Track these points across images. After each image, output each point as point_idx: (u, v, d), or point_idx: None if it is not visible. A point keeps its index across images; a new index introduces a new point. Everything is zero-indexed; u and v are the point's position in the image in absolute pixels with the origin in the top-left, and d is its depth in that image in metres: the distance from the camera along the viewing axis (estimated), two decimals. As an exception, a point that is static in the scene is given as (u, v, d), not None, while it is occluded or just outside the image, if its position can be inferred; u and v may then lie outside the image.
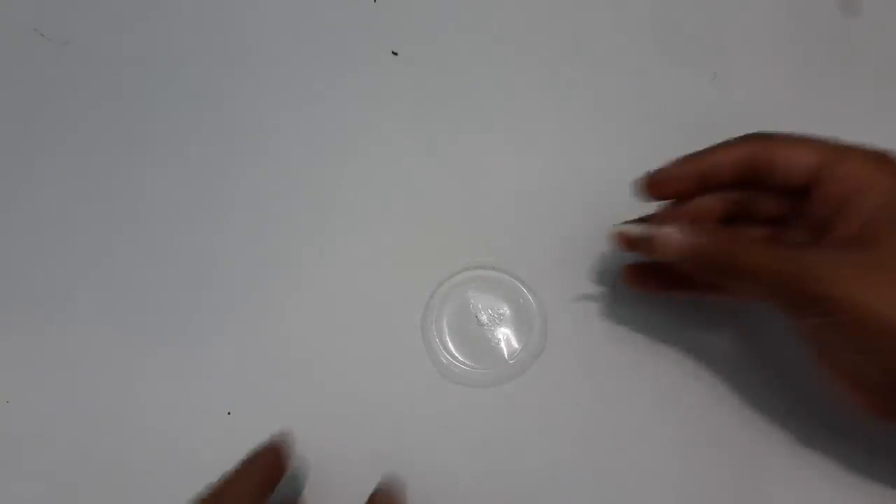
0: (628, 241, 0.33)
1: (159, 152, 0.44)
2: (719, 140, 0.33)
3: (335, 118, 0.44)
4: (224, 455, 0.37)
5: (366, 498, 0.33)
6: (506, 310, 0.39)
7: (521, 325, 0.39)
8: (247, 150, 0.43)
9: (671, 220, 0.32)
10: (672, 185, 0.33)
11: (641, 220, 0.35)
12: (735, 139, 0.32)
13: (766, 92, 0.43)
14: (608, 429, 0.37)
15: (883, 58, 0.43)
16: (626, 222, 0.35)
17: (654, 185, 0.33)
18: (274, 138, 0.44)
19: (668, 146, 0.34)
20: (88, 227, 0.42)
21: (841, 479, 0.35)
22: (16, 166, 0.44)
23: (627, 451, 0.36)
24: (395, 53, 0.43)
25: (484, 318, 0.39)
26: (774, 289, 0.29)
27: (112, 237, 0.42)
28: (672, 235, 0.31)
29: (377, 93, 0.44)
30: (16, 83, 0.46)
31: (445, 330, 0.39)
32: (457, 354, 0.38)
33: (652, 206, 0.36)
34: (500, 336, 0.39)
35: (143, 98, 0.45)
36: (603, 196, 0.39)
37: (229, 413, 0.38)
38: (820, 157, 0.30)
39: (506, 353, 0.38)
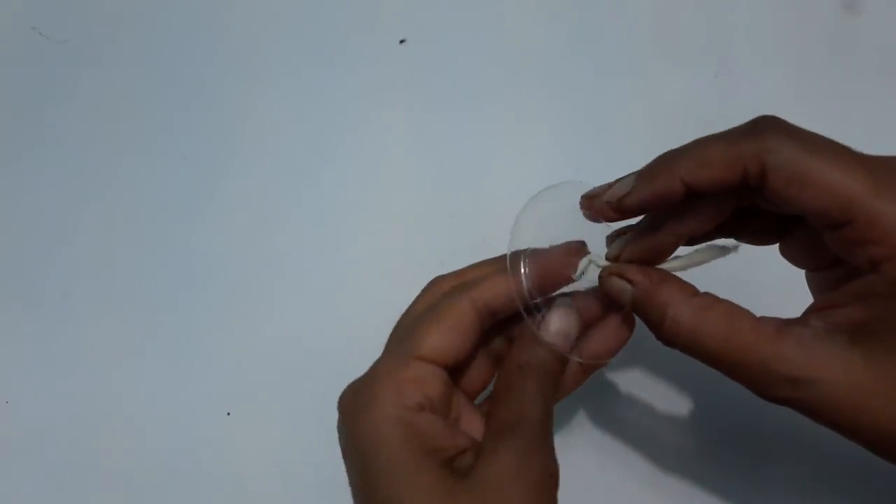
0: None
1: (158, 150, 0.44)
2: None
3: (335, 116, 0.44)
4: (224, 455, 0.37)
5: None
6: None
7: None
8: (245, 149, 0.43)
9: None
10: (642, 212, 0.27)
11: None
12: (722, 144, 0.25)
13: (768, 91, 0.43)
14: (607, 428, 0.37)
15: (884, 57, 0.43)
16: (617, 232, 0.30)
17: (621, 214, 0.27)
18: (274, 136, 0.44)
19: (669, 146, 0.34)
20: (87, 226, 0.42)
21: (841, 479, 0.35)
22: (14, 165, 0.44)
23: (627, 450, 0.36)
24: (402, 41, 0.43)
25: None
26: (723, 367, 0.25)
27: (111, 237, 0.42)
28: (619, 285, 0.27)
29: (379, 88, 0.44)
30: (14, 81, 0.46)
31: None
32: None
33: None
34: None
35: (142, 96, 0.45)
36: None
37: (229, 413, 0.38)
38: (841, 207, 0.23)
39: None
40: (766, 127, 0.24)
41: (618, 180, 0.27)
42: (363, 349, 0.39)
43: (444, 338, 0.27)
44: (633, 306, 0.27)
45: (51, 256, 0.41)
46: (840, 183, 0.23)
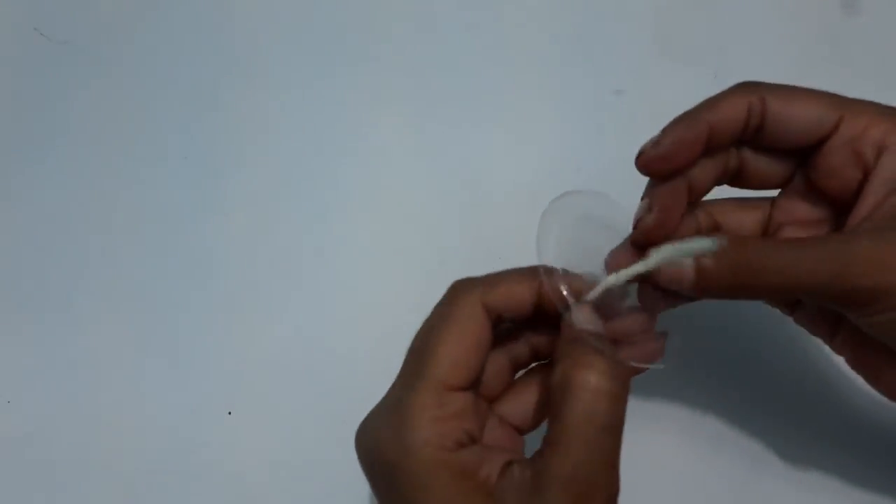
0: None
1: (159, 152, 0.44)
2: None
3: (336, 116, 0.44)
4: (224, 455, 0.37)
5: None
6: None
7: None
8: (246, 149, 0.43)
9: (665, 212, 0.27)
10: (679, 159, 0.27)
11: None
12: (726, 92, 0.28)
13: (767, 92, 0.43)
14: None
15: (883, 58, 0.43)
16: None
17: (662, 159, 0.27)
18: (275, 136, 0.44)
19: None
20: (88, 227, 0.42)
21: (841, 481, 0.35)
22: (15, 165, 0.44)
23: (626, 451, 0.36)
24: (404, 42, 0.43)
25: None
26: (818, 295, 0.25)
27: (111, 237, 0.42)
28: (682, 272, 0.26)
29: (379, 88, 0.44)
30: (15, 82, 0.46)
31: None
32: None
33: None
34: None
35: (143, 97, 0.45)
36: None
37: (230, 413, 0.38)
38: (830, 111, 0.26)
39: None
40: (751, 81, 0.28)
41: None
42: (363, 348, 0.39)
43: (470, 360, 0.26)
44: (718, 264, 0.25)
45: (52, 257, 0.41)
46: (825, 94, 0.27)
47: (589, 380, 0.24)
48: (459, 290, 0.27)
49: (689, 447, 0.36)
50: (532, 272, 0.27)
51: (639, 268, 0.27)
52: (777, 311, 0.31)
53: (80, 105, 0.45)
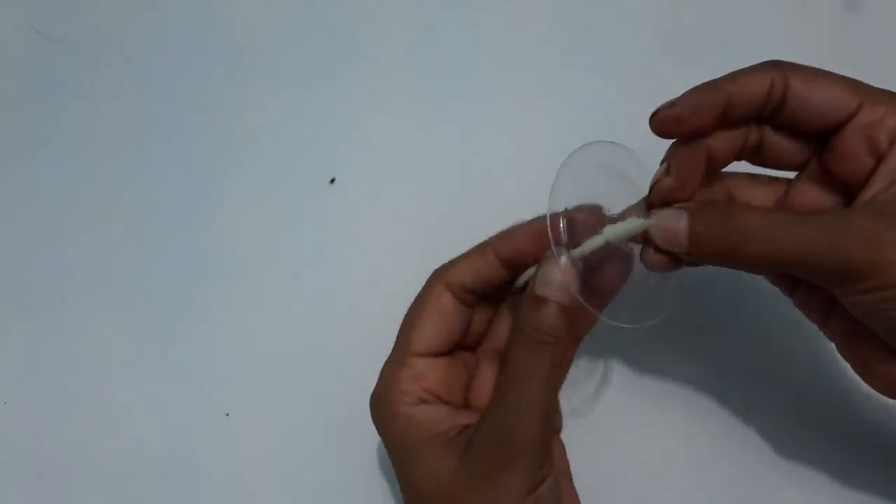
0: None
1: (157, 151, 0.44)
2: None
3: (335, 115, 0.44)
4: (223, 455, 0.37)
5: None
6: None
7: None
8: (245, 149, 0.43)
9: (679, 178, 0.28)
10: (693, 121, 0.28)
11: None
12: (751, 67, 0.28)
13: (768, 91, 0.43)
14: (606, 427, 0.37)
15: (885, 56, 0.43)
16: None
17: (675, 119, 0.28)
18: (272, 136, 0.44)
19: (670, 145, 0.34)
20: (85, 226, 0.42)
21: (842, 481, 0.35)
22: (13, 165, 0.44)
23: (627, 449, 0.36)
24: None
25: None
26: (810, 268, 0.25)
27: (110, 237, 0.42)
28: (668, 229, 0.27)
29: (378, 88, 0.44)
30: (12, 81, 0.46)
31: None
32: None
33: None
34: None
35: (141, 96, 0.45)
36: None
37: (228, 414, 0.38)
38: (850, 96, 0.27)
39: None
40: (777, 60, 0.28)
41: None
42: (361, 349, 0.39)
43: (430, 329, 0.30)
44: (693, 233, 0.26)
45: (49, 257, 0.42)
46: (848, 79, 0.28)
47: (524, 356, 0.27)
48: (432, 275, 0.31)
49: (689, 444, 0.36)
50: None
51: (592, 242, 0.28)
52: (782, 306, 0.32)
53: (77, 104, 0.45)
